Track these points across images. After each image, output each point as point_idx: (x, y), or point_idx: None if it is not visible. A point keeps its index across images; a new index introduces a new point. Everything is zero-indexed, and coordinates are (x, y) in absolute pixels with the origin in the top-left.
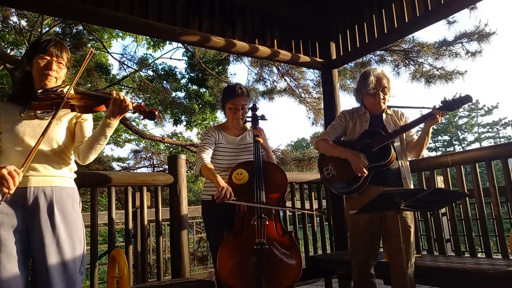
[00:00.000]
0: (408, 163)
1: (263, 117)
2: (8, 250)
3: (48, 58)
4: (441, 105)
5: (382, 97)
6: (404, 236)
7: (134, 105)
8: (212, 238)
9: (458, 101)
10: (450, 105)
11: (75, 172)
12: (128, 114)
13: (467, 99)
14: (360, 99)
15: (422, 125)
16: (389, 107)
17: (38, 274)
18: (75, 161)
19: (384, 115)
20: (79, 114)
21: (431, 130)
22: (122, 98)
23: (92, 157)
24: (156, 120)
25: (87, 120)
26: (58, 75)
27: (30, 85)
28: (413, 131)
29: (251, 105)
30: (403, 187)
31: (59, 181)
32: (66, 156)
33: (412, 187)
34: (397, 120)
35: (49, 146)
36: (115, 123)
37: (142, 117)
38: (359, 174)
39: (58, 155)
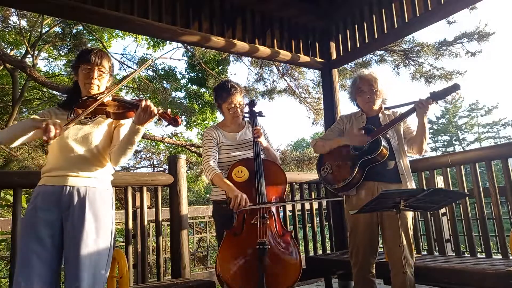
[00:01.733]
0: (407, 161)
1: (260, 114)
2: (46, 244)
3: (90, 67)
4: (429, 96)
5: (368, 95)
6: (403, 236)
7: (160, 112)
8: (221, 238)
9: (446, 90)
10: (438, 95)
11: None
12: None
13: (455, 87)
14: (354, 100)
15: None
16: (386, 108)
17: (68, 268)
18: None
19: (381, 116)
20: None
21: (425, 121)
22: (149, 104)
23: (122, 161)
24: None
25: (125, 125)
26: (99, 83)
27: (78, 93)
28: (413, 128)
29: (249, 101)
30: (401, 183)
31: (93, 182)
32: (103, 159)
33: (413, 185)
34: None
35: (88, 149)
36: (142, 129)
37: (166, 124)
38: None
39: (96, 157)
